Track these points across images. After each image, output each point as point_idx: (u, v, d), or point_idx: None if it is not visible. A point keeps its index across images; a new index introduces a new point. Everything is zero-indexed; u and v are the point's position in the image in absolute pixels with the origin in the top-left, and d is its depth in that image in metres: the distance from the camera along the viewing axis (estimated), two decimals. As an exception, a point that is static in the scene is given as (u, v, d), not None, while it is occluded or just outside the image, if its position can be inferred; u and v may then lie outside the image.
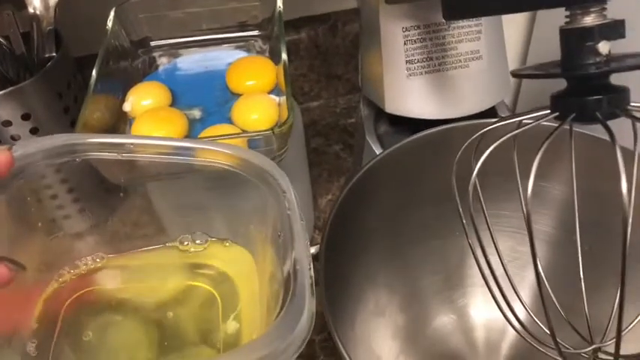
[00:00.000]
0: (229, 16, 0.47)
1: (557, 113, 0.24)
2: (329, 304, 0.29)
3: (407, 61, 0.38)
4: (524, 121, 0.26)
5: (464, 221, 0.27)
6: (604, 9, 0.24)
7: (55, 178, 0.39)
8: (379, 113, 0.43)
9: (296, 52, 0.60)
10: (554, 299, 0.29)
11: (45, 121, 0.43)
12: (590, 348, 0.26)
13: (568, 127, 0.31)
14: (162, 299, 0.34)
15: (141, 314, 0.33)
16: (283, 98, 0.39)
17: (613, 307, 0.28)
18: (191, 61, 0.46)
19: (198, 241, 0.36)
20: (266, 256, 0.31)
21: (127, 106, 0.40)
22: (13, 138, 0.43)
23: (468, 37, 0.38)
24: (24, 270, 0.30)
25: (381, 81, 0.39)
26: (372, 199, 0.35)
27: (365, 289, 0.38)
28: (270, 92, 0.42)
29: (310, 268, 0.25)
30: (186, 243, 0.36)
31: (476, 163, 0.24)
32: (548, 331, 0.27)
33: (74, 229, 0.37)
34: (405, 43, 0.38)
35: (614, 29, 0.24)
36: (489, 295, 0.27)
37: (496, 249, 0.29)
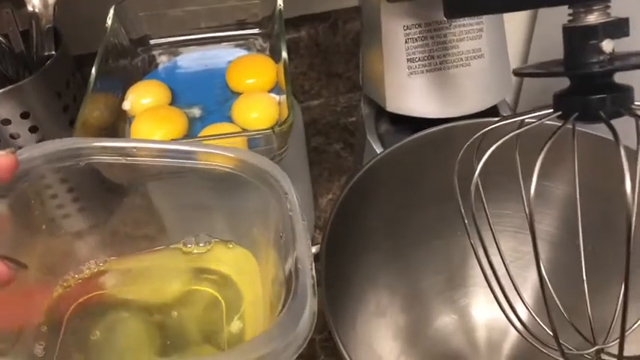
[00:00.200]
0: (229, 14, 0.46)
1: (559, 112, 0.24)
2: (330, 304, 0.29)
3: (408, 60, 0.38)
4: (526, 121, 0.26)
5: (465, 221, 0.27)
6: (607, 7, 0.24)
7: (55, 178, 0.39)
8: (380, 112, 0.43)
9: (296, 50, 0.60)
10: (556, 300, 0.29)
11: (44, 119, 0.43)
12: (592, 349, 0.26)
13: (571, 127, 0.31)
14: (165, 301, 0.34)
15: (144, 316, 0.33)
16: (283, 97, 0.38)
17: (616, 308, 0.28)
18: (191, 60, 0.46)
19: (201, 244, 0.36)
20: (269, 258, 0.31)
21: (126, 105, 0.40)
22: (12, 136, 0.42)
23: (470, 35, 0.38)
24: (25, 269, 0.30)
25: (382, 79, 0.39)
26: (372, 199, 0.35)
27: (366, 290, 0.37)
28: (271, 91, 0.41)
29: (312, 268, 0.25)
30: (189, 245, 0.36)
31: (478, 163, 0.23)
32: (550, 332, 0.27)
33: (76, 230, 0.37)
34: (406, 42, 0.38)
35: (618, 27, 0.24)
36: (491, 295, 0.27)
37: (498, 249, 0.29)
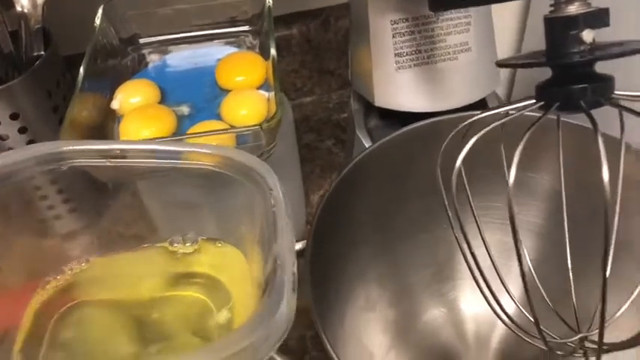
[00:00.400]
0: (219, 12, 0.46)
1: (542, 103, 0.24)
2: (316, 300, 0.29)
3: (396, 54, 0.38)
4: (510, 112, 0.26)
5: (449, 213, 0.27)
6: (588, -3, 0.24)
7: (43, 180, 0.39)
8: (369, 107, 0.43)
9: (288, 47, 0.60)
10: (541, 290, 0.29)
11: (34, 120, 0.43)
12: (576, 337, 0.26)
13: (555, 117, 0.31)
14: (146, 302, 0.33)
15: (126, 315, 0.32)
16: (272, 94, 0.38)
17: (601, 296, 0.28)
18: (181, 58, 0.46)
19: (188, 243, 0.35)
20: (255, 256, 0.31)
21: (115, 104, 0.40)
22: (1, 138, 0.43)
23: (457, 29, 0.38)
24: None
25: (370, 74, 0.39)
26: (360, 193, 0.35)
27: (355, 284, 0.37)
28: (260, 88, 0.42)
29: (294, 265, 0.25)
30: (176, 244, 0.35)
31: (460, 153, 0.23)
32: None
33: (63, 231, 0.37)
34: (393, 36, 0.38)
35: (599, 18, 0.24)
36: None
37: (483, 241, 0.29)
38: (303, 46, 0.60)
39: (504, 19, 0.62)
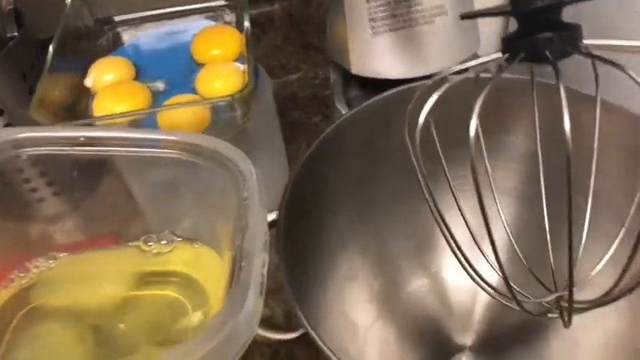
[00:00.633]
0: (196, -14, 0.46)
1: (507, 55, 0.23)
2: (289, 272, 0.28)
3: (370, 19, 0.37)
4: (482, 70, 0.25)
5: (421, 181, 0.26)
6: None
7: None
8: (348, 78, 0.42)
9: (270, 24, 0.59)
10: (518, 252, 0.28)
11: (9, 101, 0.43)
12: (551, 297, 0.26)
13: (530, 77, 0.30)
14: (116, 305, 0.31)
15: (87, 326, 0.30)
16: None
17: (577, 257, 0.27)
18: (157, 34, 0.45)
19: (164, 242, 0.33)
20: (226, 254, 0.28)
21: (88, 82, 0.39)
22: (-23, 121, 0.42)
23: (432, -8, 0.37)
24: None
25: (346, 41, 0.38)
26: (336, 162, 0.34)
27: (336, 253, 0.37)
28: (236, 61, 0.41)
29: (264, 265, 0.22)
30: (150, 243, 0.33)
31: (429, 118, 0.23)
32: (516, 287, 0.26)
33: (32, 219, 0.36)
34: (367, 1, 0.37)
35: (564, -37, 0.23)
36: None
37: (458, 207, 0.28)
38: (286, 22, 0.59)
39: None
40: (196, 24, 0.45)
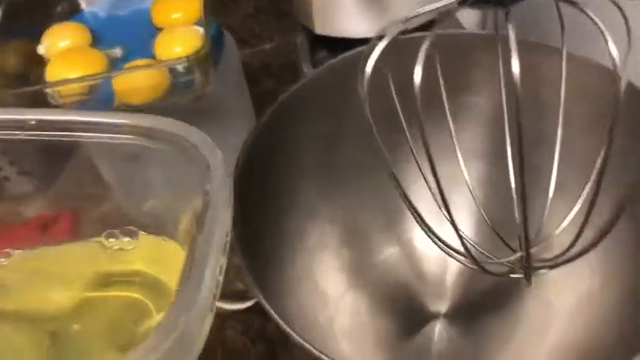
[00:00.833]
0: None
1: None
2: (242, 243, 0.26)
3: (333, -23, 0.35)
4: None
5: (382, 148, 0.25)
6: None
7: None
8: (317, 40, 0.41)
9: (242, -9, 0.57)
10: (482, 212, 0.27)
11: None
12: (513, 257, 0.25)
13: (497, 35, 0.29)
14: (73, 308, 0.29)
15: (45, 323, 0.28)
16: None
17: (542, 217, 0.26)
18: (116, 0, 0.43)
19: (126, 238, 0.30)
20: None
21: (41, 49, 0.38)
22: None
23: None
24: None
25: (311, 1, 0.37)
26: (298, 127, 0.33)
27: (303, 222, 0.36)
28: (198, 24, 0.39)
29: (220, 270, 0.20)
30: (112, 239, 0.30)
31: (372, 64, 0.21)
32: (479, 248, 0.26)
33: None
34: (330, -42, 0.35)
35: None
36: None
37: (420, 171, 0.27)
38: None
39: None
40: (157, -12, 0.44)
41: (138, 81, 0.35)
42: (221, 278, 0.20)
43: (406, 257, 0.38)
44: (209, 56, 0.34)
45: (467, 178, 0.29)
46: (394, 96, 0.26)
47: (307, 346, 0.23)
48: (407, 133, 0.27)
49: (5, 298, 0.29)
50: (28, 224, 0.34)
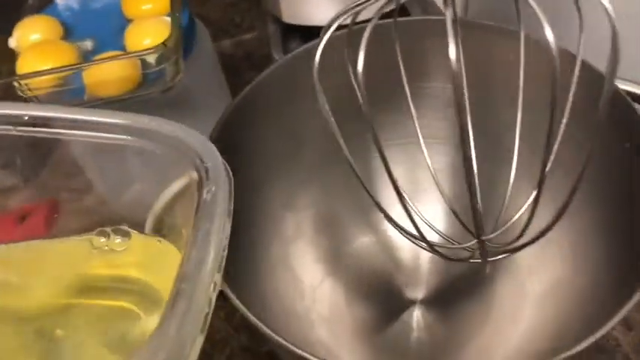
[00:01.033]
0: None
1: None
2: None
3: (301, -35, 0.35)
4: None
5: (339, 137, 0.25)
6: None
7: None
8: (289, 29, 0.41)
9: (221, -20, 0.57)
10: (443, 197, 0.27)
11: None
12: (473, 242, 0.25)
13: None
14: (58, 310, 0.27)
15: (30, 323, 0.26)
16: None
17: (503, 203, 0.26)
18: (89, -8, 0.43)
19: (118, 239, 0.28)
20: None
21: (11, 42, 0.38)
22: None
23: None
24: None
25: (279, -10, 0.36)
26: (265, 116, 0.33)
27: (279, 213, 0.36)
28: (168, 15, 0.39)
29: (212, 290, 0.18)
30: (102, 238, 0.28)
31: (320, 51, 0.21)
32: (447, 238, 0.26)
33: None
34: (297, -55, 0.35)
35: None
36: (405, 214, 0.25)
37: (388, 165, 0.27)
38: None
39: None
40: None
41: (108, 73, 0.35)
42: (214, 296, 0.18)
43: (381, 245, 0.39)
44: (178, 46, 0.34)
45: (429, 163, 0.29)
46: (355, 85, 0.26)
47: (265, 329, 0.23)
48: (373, 126, 0.27)
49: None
50: (5, 216, 0.34)
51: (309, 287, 0.38)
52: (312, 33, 0.38)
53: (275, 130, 0.34)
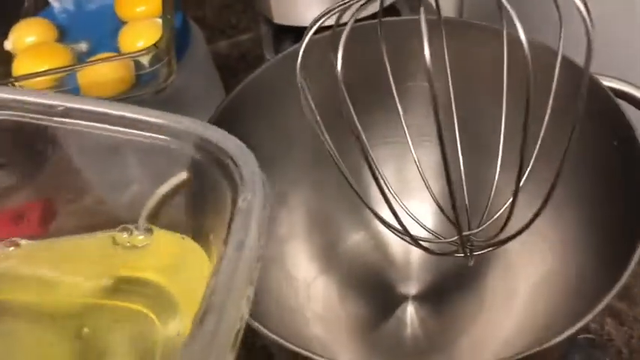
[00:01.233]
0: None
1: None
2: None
3: (290, -34, 0.36)
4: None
5: (325, 136, 0.25)
6: None
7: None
8: (281, 30, 0.41)
9: (216, -18, 0.57)
10: (430, 193, 0.28)
11: None
12: (457, 237, 0.25)
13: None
14: (85, 310, 0.27)
15: (54, 323, 0.26)
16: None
17: (489, 197, 0.27)
18: (85, -5, 0.44)
19: (141, 236, 0.27)
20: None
21: (7, 45, 0.38)
22: None
23: None
24: None
25: (269, -9, 0.37)
26: (256, 115, 0.33)
27: (275, 211, 0.36)
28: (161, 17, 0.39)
29: (244, 310, 0.17)
30: (125, 234, 0.27)
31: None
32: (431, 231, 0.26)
33: None
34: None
35: None
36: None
37: (371, 162, 0.27)
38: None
39: None
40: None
41: (102, 74, 0.35)
42: (247, 312, 0.17)
43: (373, 242, 0.39)
44: (170, 48, 0.34)
45: (416, 159, 0.30)
46: (342, 85, 0.26)
47: (259, 327, 0.23)
48: (356, 121, 0.27)
49: (18, 290, 0.27)
50: (2, 215, 0.35)
51: (303, 284, 0.39)
52: (302, 33, 0.38)
53: (266, 129, 0.35)
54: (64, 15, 0.42)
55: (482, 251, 0.25)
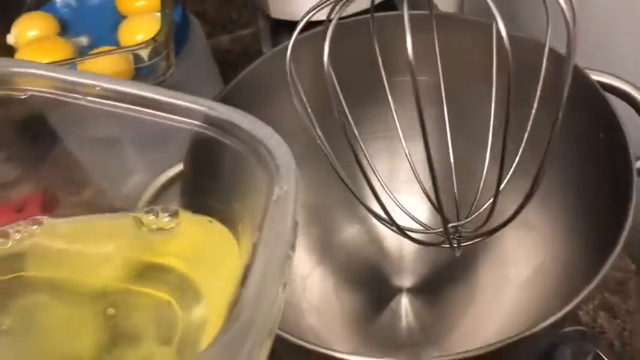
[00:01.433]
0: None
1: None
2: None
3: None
4: None
5: (316, 129, 0.26)
6: None
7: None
8: (279, 25, 0.42)
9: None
10: (420, 185, 0.28)
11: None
12: (441, 229, 0.25)
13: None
14: (106, 290, 0.26)
15: (79, 301, 0.26)
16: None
17: (477, 189, 0.27)
18: (87, -11, 0.44)
19: (167, 217, 0.26)
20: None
21: (10, 38, 0.39)
22: None
23: None
24: None
25: (266, -15, 0.37)
26: (254, 110, 0.34)
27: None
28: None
29: (278, 309, 0.16)
30: (151, 215, 0.27)
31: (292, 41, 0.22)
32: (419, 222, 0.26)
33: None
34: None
35: None
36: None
37: (358, 154, 0.27)
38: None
39: None
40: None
41: (102, 68, 0.36)
42: (282, 300, 0.17)
43: (367, 235, 0.39)
44: (169, 42, 0.35)
45: (407, 152, 0.30)
46: (334, 80, 0.27)
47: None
48: (349, 116, 0.28)
49: (45, 267, 0.27)
50: (4, 207, 0.35)
51: (300, 277, 0.39)
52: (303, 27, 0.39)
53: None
54: (66, 9, 0.42)
55: (469, 242, 0.25)
